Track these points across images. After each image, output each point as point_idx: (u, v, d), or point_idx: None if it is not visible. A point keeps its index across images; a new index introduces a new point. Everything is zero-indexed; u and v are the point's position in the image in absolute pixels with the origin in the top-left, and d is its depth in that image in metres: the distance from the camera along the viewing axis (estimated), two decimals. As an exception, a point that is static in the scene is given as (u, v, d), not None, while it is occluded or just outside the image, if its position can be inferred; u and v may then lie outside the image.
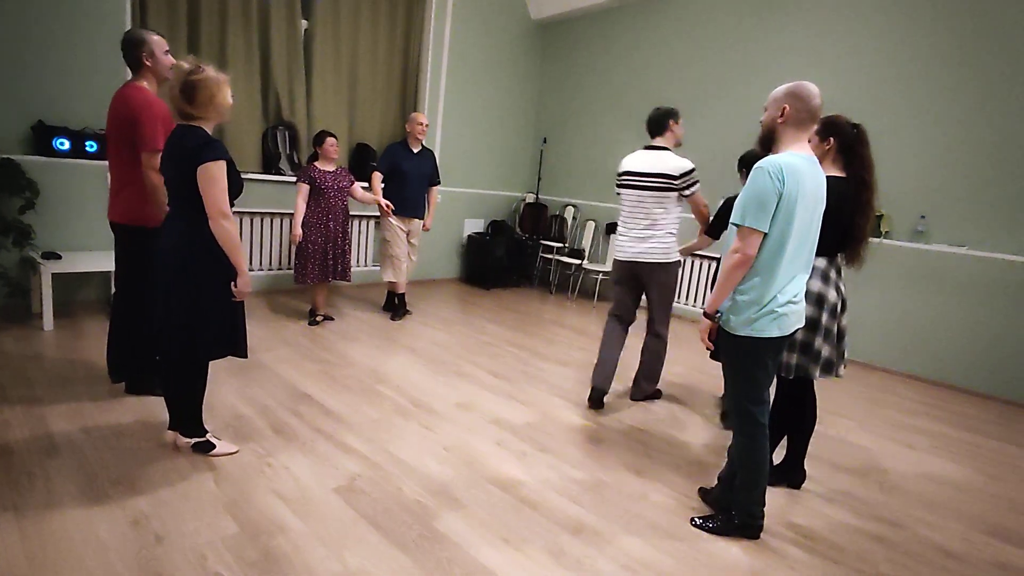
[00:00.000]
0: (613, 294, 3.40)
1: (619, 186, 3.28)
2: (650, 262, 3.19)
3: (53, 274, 3.66)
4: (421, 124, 4.66)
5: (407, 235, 4.70)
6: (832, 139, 2.30)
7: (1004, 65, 4.02)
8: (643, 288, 3.32)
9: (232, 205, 2.19)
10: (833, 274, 2.33)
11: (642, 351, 3.45)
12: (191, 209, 2.10)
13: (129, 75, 2.64)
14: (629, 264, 3.25)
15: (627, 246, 3.24)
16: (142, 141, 2.47)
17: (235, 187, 2.18)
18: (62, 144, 3.93)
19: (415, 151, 4.68)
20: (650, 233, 3.19)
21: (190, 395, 2.32)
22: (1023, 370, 4.02)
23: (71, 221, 4.05)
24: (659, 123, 3.22)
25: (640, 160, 3.19)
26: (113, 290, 2.82)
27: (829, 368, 2.37)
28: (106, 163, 2.88)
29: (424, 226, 4.83)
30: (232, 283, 2.17)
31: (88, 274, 4.18)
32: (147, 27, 4.34)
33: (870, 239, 2.35)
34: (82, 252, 4.05)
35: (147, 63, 2.56)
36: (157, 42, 2.58)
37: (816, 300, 2.28)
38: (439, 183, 4.90)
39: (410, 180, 4.61)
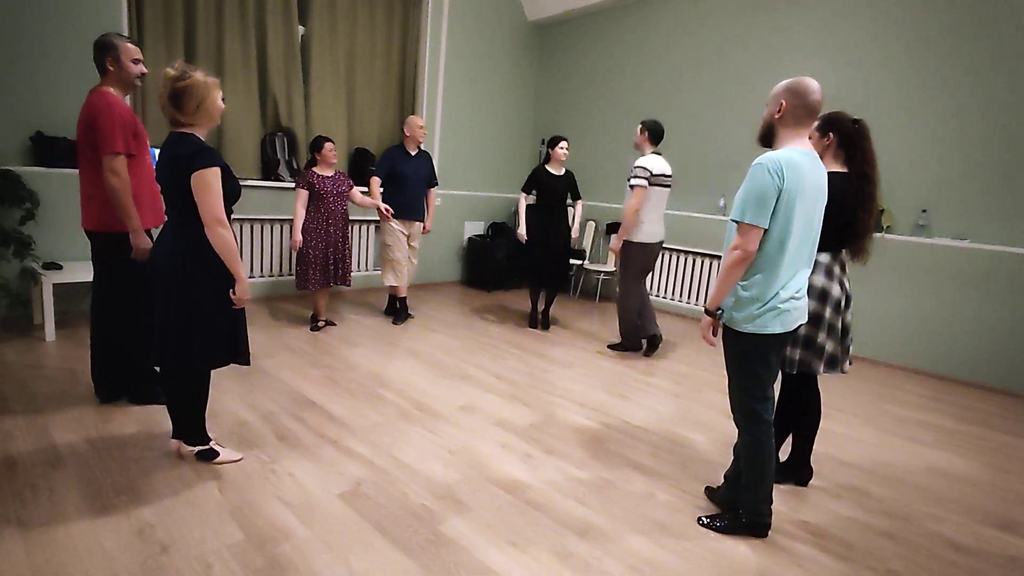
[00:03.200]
0: (644, 268, 4.22)
1: (656, 184, 4.03)
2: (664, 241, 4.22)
3: (54, 284, 3.66)
4: (421, 127, 4.66)
5: (407, 238, 4.69)
6: (832, 134, 2.30)
7: (1004, 59, 4.01)
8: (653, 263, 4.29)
9: (230, 212, 2.18)
10: (837, 269, 2.32)
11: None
12: (187, 217, 2.08)
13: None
14: (659, 244, 4.16)
15: (658, 230, 4.13)
16: (100, 144, 2.46)
17: (232, 193, 2.16)
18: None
19: (413, 154, 4.68)
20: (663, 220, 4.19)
21: (192, 404, 2.31)
22: (1028, 362, 4.01)
23: (72, 231, 4.04)
24: (664, 134, 4.15)
25: (664, 164, 4.07)
26: (91, 302, 2.76)
27: (833, 364, 2.36)
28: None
29: (424, 228, 4.83)
30: (231, 291, 2.17)
31: (90, 284, 4.16)
32: (143, 35, 4.37)
33: (873, 234, 2.34)
34: (83, 262, 4.05)
35: (111, 68, 2.55)
36: (126, 49, 2.57)
37: (820, 295, 2.28)
38: (437, 184, 4.90)
39: (409, 183, 4.61)
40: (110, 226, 2.59)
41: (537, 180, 4.61)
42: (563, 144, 4.59)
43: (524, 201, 4.67)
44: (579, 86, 6.84)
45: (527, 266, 4.74)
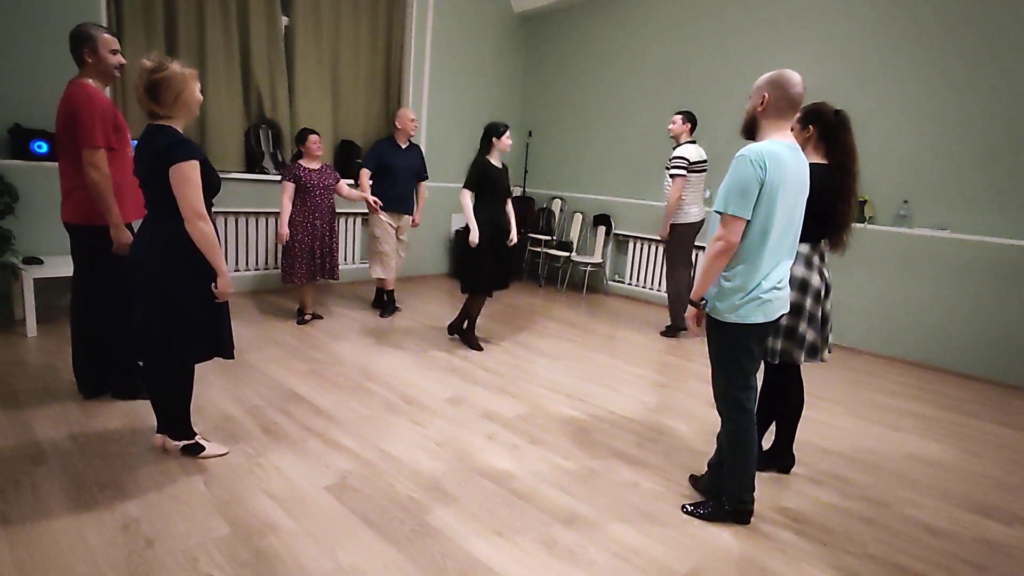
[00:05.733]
0: (687, 251, 4.69)
1: (693, 171, 4.45)
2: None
3: (35, 279, 3.61)
4: (412, 120, 4.64)
5: (396, 231, 4.68)
6: (812, 126, 2.32)
7: (986, 50, 4.06)
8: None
9: (211, 205, 2.16)
10: (817, 260, 2.35)
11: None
12: (166, 210, 2.06)
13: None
14: (700, 223, 4.62)
15: (697, 211, 4.59)
16: (81, 138, 2.43)
17: (212, 186, 2.14)
18: (40, 147, 3.87)
19: (403, 147, 4.65)
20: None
21: (176, 398, 2.30)
22: (1005, 351, 4.08)
23: (52, 225, 3.98)
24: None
25: (700, 151, 4.51)
26: (71, 296, 2.73)
27: (814, 352, 2.39)
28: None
29: (413, 221, 4.82)
30: (213, 284, 2.15)
31: (70, 279, 4.11)
32: (122, 26, 4.30)
33: (854, 224, 2.37)
34: (64, 256, 3.96)
35: (88, 60, 2.51)
36: (103, 39, 2.52)
37: (800, 285, 2.31)
38: (427, 178, 4.89)
39: (399, 176, 4.59)
40: (90, 219, 2.56)
41: (486, 175, 3.91)
42: (508, 133, 3.94)
43: (471, 200, 3.93)
44: (566, 78, 6.82)
45: (475, 271, 3.95)
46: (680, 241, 4.63)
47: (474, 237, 3.86)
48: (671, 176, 4.45)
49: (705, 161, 4.52)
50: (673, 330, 4.81)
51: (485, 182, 3.93)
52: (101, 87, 2.58)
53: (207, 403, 2.84)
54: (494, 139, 3.90)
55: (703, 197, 4.62)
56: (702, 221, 4.63)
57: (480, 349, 4.10)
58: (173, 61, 2.05)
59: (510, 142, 3.98)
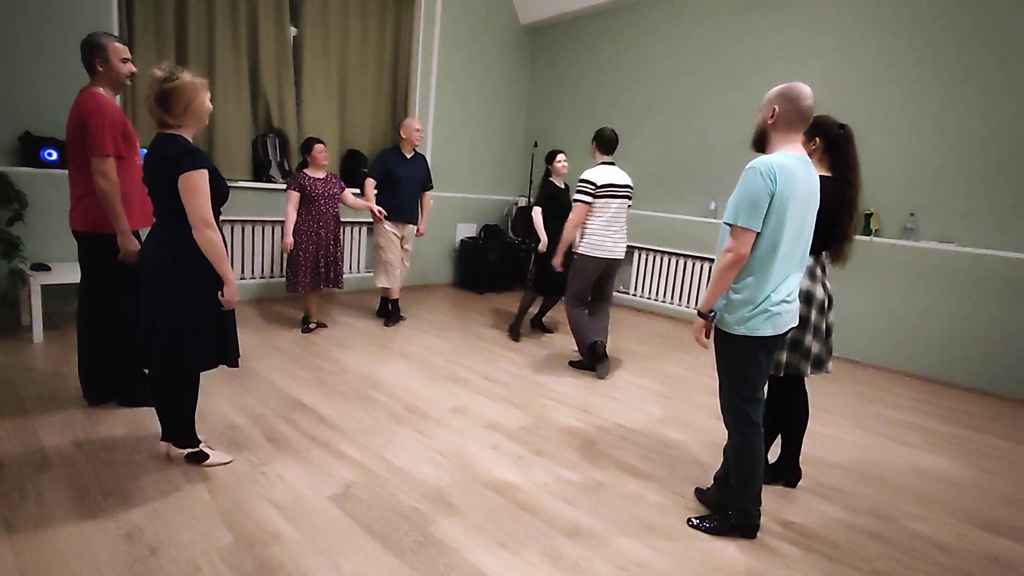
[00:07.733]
0: (583, 286, 3.94)
1: (604, 196, 3.80)
2: (621, 258, 3.98)
3: (42, 286, 3.64)
4: (418, 130, 4.67)
5: (401, 241, 4.69)
6: (818, 139, 2.33)
7: (993, 64, 4.07)
8: (607, 277, 4.04)
9: (219, 213, 2.17)
10: (819, 272, 2.36)
11: (604, 320, 4.11)
12: (174, 219, 2.08)
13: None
14: (610, 260, 3.89)
15: (610, 245, 3.85)
16: (91, 146, 2.45)
17: (220, 195, 2.16)
18: (50, 155, 3.91)
19: (408, 156, 4.68)
20: (623, 235, 3.94)
21: (181, 406, 2.30)
22: (1012, 365, 4.06)
23: (60, 232, 4.02)
24: (617, 143, 3.92)
25: (615, 174, 3.83)
26: (78, 304, 2.75)
27: (820, 364, 2.39)
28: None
29: (418, 231, 4.83)
30: (219, 292, 2.16)
31: (77, 286, 4.14)
32: (134, 36, 4.35)
33: (859, 237, 2.37)
34: (71, 263, 4.02)
35: (100, 68, 2.54)
36: (115, 48, 2.56)
37: (804, 297, 2.31)
38: (432, 188, 4.91)
39: (404, 186, 4.61)
40: (98, 227, 2.58)
41: (551, 194, 4.54)
42: (561, 157, 4.56)
43: (540, 215, 4.43)
44: (571, 89, 6.86)
45: (539, 275, 4.57)
46: (576, 271, 3.89)
47: (543, 247, 4.43)
48: (572, 201, 3.86)
49: (625, 186, 3.82)
50: (579, 363, 4.08)
51: (551, 200, 4.53)
52: (112, 95, 2.61)
53: (212, 411, 2.84)
54: (548, 165, 4.61)
55: (623, 230, 3.88)
56: (616, 261, 3.90)
57: (516, 340, 4.72)
58: (184, 71, 2.07)
59: (563, 164, 4.57)
